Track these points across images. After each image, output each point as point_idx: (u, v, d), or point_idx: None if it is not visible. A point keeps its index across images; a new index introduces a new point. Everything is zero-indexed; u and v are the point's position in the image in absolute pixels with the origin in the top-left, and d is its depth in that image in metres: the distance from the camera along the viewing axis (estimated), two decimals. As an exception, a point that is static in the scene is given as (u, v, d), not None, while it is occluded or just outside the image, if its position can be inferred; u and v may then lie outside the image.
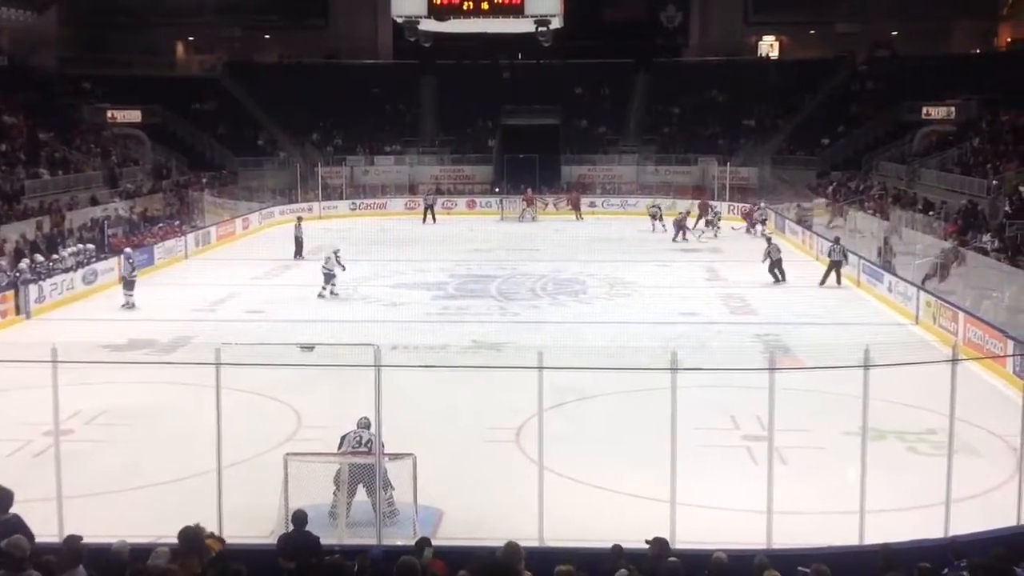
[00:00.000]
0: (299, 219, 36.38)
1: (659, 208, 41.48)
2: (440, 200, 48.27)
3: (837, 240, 29.44)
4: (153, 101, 48.72)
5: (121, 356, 19.28)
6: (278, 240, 35.71)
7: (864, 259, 28.50)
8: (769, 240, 31.40)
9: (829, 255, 28.94)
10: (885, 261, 27.57)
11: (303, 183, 47.53)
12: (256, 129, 52.63)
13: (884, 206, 36.88)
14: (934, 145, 42.43)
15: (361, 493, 12.11)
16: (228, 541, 10.21)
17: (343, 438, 12.49)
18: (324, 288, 27.08)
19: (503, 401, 15.37)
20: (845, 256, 28.37)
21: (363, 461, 11.98)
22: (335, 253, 27.60)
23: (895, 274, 25.98)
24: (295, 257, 33.82)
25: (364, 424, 12.33)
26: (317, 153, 50.75)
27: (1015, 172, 32.69)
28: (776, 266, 28.79)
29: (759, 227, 38.73)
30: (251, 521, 11.47)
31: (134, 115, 47.75)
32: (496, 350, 20.08)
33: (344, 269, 27.52)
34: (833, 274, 28.15)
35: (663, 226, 39.44)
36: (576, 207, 45.60)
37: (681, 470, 10.81)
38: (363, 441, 12.25)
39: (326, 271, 27.23)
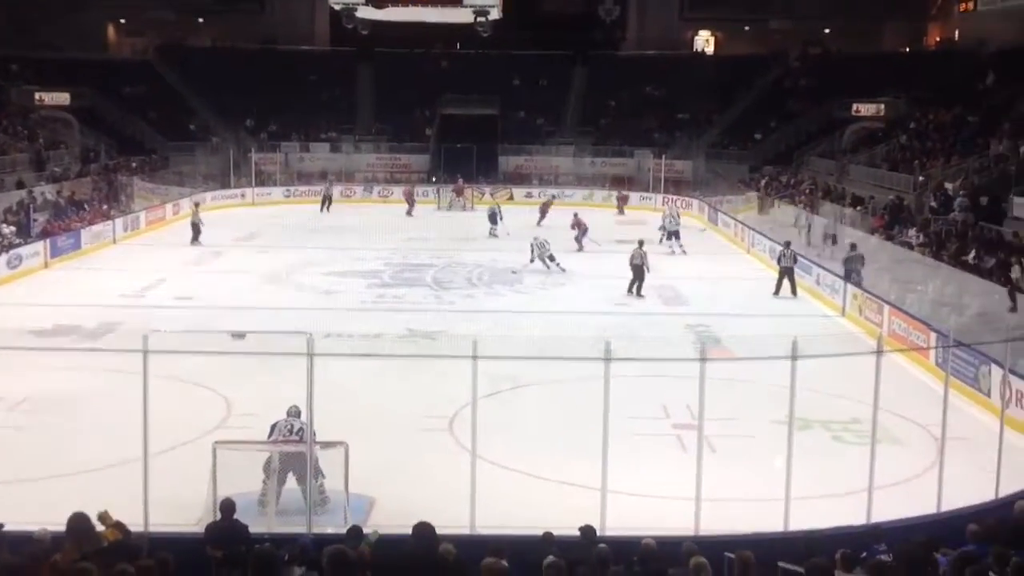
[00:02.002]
0: (196, 204, 36.16)
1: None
2: (376, 188, 48.04)
3: (788, 244, 27.03)
4: (83, 84, 47.80)
5: (46, 342, 18.87)
6: (210, 226, 35.19)
7: (796, 252, 28.89)
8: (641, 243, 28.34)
9: (779, 261, 26.56)
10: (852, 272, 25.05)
11: (236, 169, 46.91)
12: (188, 114, 51.85)
13: (814, 201, 37.51)
14: (863, 141, 43.25)
15: (291, 481, 12.04)
16: (154, 529, 10.10)
17: (273, 426, 12.40)
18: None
19: (437, 390, 15.36)
20: (795, 260, 26.36)
21: (294, 449, 11.91)
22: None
23: (860, 285, 24.18)
24: (192, 243, 33.48)
25: (295, 412, 12.25)
26: (251, 139, 50.12)
27: (940, 169, 33.47)
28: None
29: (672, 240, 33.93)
30: (178, 509, 11.33)
31: (63, 98, 46.80)
32: (431, 339, 20.06)
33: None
34: (787, 282, 25.98)
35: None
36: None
37: (612, 458, 10.91)
38: (294, 429, 12.17)
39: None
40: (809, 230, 30.80)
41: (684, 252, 32.93)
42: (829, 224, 32.47)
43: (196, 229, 33.95)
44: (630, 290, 25.90)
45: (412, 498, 11.75)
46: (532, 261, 29.37)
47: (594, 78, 55.53)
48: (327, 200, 43.99)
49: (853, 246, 26.14)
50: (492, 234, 36.33)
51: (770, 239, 31.56)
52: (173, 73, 53.57)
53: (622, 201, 44.80)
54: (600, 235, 33.84)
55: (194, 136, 50.07)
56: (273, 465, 11.96)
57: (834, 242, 29.67)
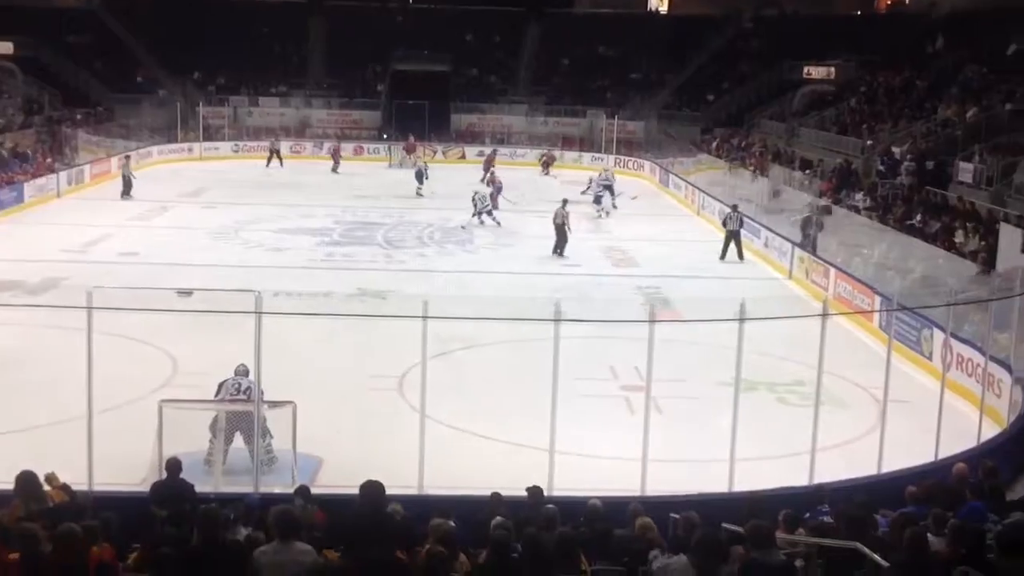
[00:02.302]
0: (127, 157, 35.62)
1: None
2: (326, 145, 47.52)
3: (735, 208, 26.81)
4: (26, 33, 46.51)
5: (-13, 298, 18.53)
6: (156, 180, 34.65)
7: (744, 215, 29.10)
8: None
9: (725, 224, 26.60)
10: (808, 236, 25.04)
11: (183, 123, 46.14)
12: (135, 65, 50.78)
13: (764, 163, 37.73)
14: (813, 104, 43.51)
15: (239, 441, 11.98)
16: (99, 488, 10.01)
17: (221, 385, 12.31)
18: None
19: (386, 350, 15.32)
20: (742, 224, 26.32)
21: (241, 408, 11.85)
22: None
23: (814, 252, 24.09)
24: (122, 197, 33.04)
25: (242, 371, 12.17)
26: (199, 92, 49.26)
27: (888, 133, 33.79)
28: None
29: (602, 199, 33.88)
30: (123, 468, 11.24)
31: (5, 47, 45.61)
32: (381, 298, 19.97)
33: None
34: (733, 246, 26.02)
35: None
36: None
37: (560, 419, 10.97)
38: (241, 388, 12.09)
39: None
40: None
41: (606, 214, 32.71)
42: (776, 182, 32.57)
43: (127, 183, 33.45)
44: (554, 251, 25.88)
45: (360, 458, 11.74)
46: (475, 215, 29.63)
47: (547, 36, 55.19)
48: (274, 154, 43.39)
49: (735, 207, 26.83)
50: (418, 193, 35.97)
51: (721, 201, 31.75)
52: (119, 23, 52.31)
53: (548, 161, 44.31)
54: (532, 195, 34.03)
55: (141, 88, 49.10)
56: (220, 424, 11.88)
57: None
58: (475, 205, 29.83)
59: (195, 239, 26.81)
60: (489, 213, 29.93)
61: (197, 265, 23.27)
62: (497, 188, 32.57)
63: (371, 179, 39.72)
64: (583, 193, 33.66)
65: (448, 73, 52.00)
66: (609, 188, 34.02)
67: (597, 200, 32.92)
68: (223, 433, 11.87)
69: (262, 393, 11.39)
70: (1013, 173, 24.97)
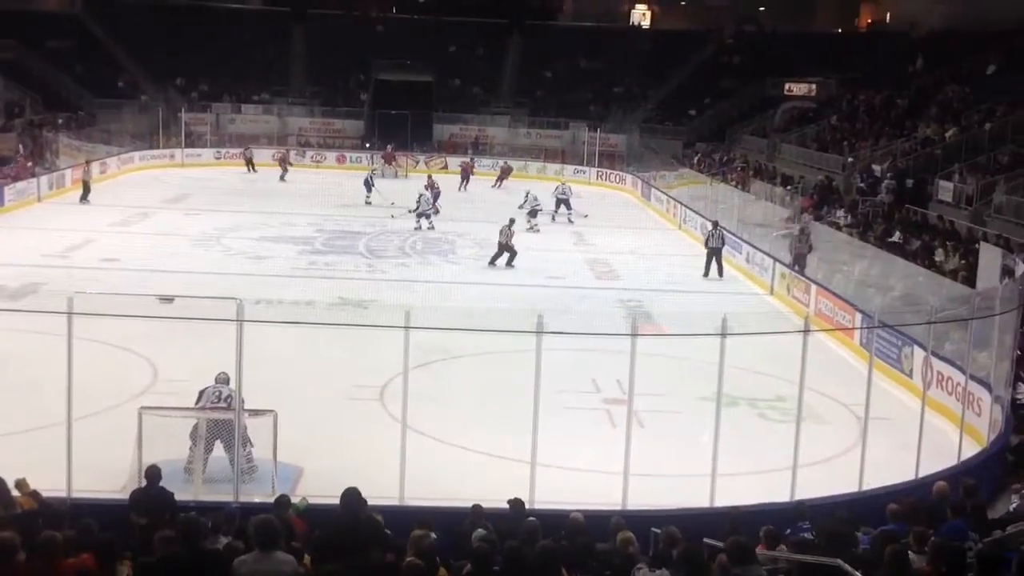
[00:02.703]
0: (87, 162, 35.31)
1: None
2: (309, 153, 47.47)
3: (716, 224, 26.54)
4: (7, 36, 46.28)
5: (-35, 302, 18.34)
6: (137, 186, 34.45)
7: (725, 229, 29.21)
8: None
9: (707, 243, 26.23)
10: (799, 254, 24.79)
11: (165, 129, 45.95)
12: (117, 70, 50.58)
13: (746, 179, 37.92)
14: (794, 121, 43.79)
15: (219, 449, 11.89)
16: (78, 495, 9.93)
17: (201, 393, 12.23)
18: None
19: (368, 359, 15.25)
20: (723, 241, 26.05)
21: (222, 416, 11.77)
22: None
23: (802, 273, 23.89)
24: (81, 201, 32.78)
25: (223, 379, 12.09)
26: (180, 98, 49.09)
27: (869, 150, 34.05)
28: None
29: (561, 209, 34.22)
30: (103, 476, 11.15)
31: (-14, 50, 45.36)
32: (363, 308, 19.89)
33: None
34: (714, 264, 25.81)
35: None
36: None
37: (542, 431, 10.96)
38: (222, 396, 12.02)
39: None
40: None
41: (565, 221, 33.20)
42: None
43: (86, 187, 33.12)
44: (491, 262, 25.96)
45: (341, 468, 11.67)
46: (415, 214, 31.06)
47: (530, 48, 55.35)
48: (248, 163, 43.36)
49: (716, 224, 26.43)
50: (366, 202, 35.49)
51: (702, 215, 31.88)
52: (101, 27, 52.16)
53: (504, 174, 42.96)
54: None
55: (122, 93, 48.88)
56: (200, 432, 11.80)
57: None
58: (418, 205, 30.99)
59: (176, 246, 26.68)
60: (427, 216, 30.82)
61: (178, 272, 23.12)
62: (435, 193, 33.25)
63: (354, 188, 39.54)
64: (520, 208, 32.18)
65: (431, 83, 52.05)
66: (565, 202, 33.98)
67: (532, 214, 31.71)
68: (203, 441, 11.79)
69: (243, 401, 11.33)
70: (992, 193, 25.22)
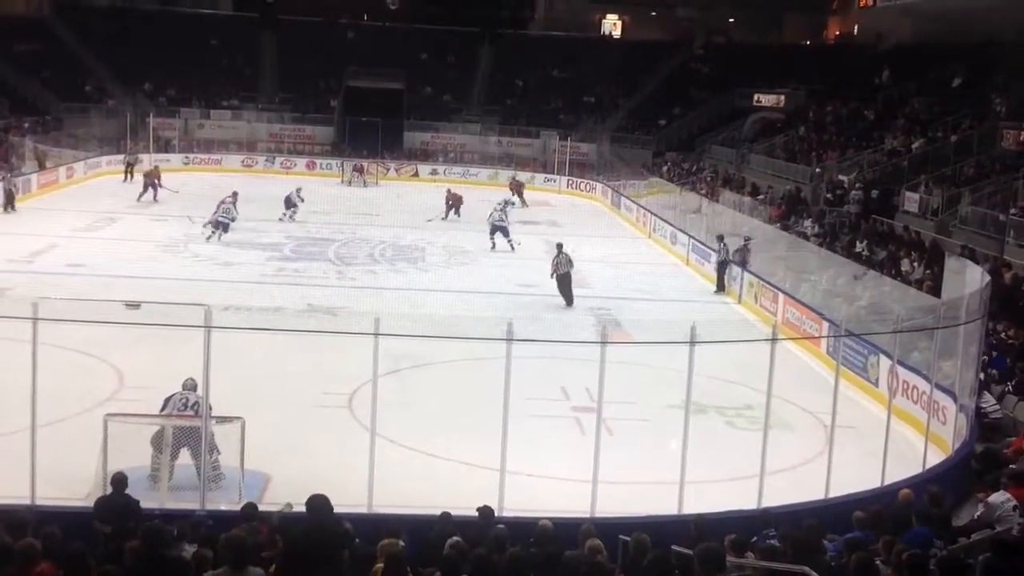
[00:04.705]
0: (9, 171, 34.59)
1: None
2: (279, 159, 47.27)
3: (721, 238, 26.03)
4: (-28, 40, 45.79)
5: (-72, 307, 18.09)
6: (105, 191, 34.14)
7: (694, 238, 29.40)
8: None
9: (721, 256, 25.64)
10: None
11: (133, 134, 45.57)
12: (84, 74, 50.14)
13: (715, 188, 38.13)
14: (763, 131, 44.11)
15: (185, 456, 11.80)
16: (42, 502, 9.83)
17: (167, 400, 12.13)
18: (214, 232, 28.31)
19: (337, 367, 15.21)
20: (729, 254, 25.48)
21: (188, 424, 11.68)
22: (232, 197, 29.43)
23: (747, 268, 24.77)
24: (4, 210, 31.70)
25: (190, 386, 12.00)
26: (149, 103, 48.73)
27: (836, 161, 34.35)
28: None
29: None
30: (67, 483, 11.02)
31: (-49, 54, 44.83)
32: (332, 315, 19.83)
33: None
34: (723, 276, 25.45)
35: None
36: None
37: (512, 439, 10.97)
38: (189, 403, 11.93)
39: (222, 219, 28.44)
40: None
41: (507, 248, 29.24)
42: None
43: (9, 196, 31.97)
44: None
45: (309, 475, 11.60)
46: None
47: (501, 57, 55.45)
48: (129, 167, 40.23)
49: (721, 237, 26.14)
50: (285, 218, 32.91)
51: (672, 224, 32.05)
52: (69, 32, 51.71)
53: (518, 189, 40.83)
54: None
55: (90, 98, 48.47)
56: (165, 439, 11.70)
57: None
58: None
59: (144, 251, 26.47)
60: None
61: (145, 278, 22.96)
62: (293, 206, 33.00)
63: (323, 195, 39.41)
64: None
65: (402, 91, 51.97)
66: (502, 229, 29.65)
67: (493, 231, 29.70)
68: (169, 448, 11.69)
69: (210, 408, 11.25)
70: (958, 204, 25.50)
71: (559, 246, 23.62)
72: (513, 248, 29.04)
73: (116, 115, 46.33)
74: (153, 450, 11.75)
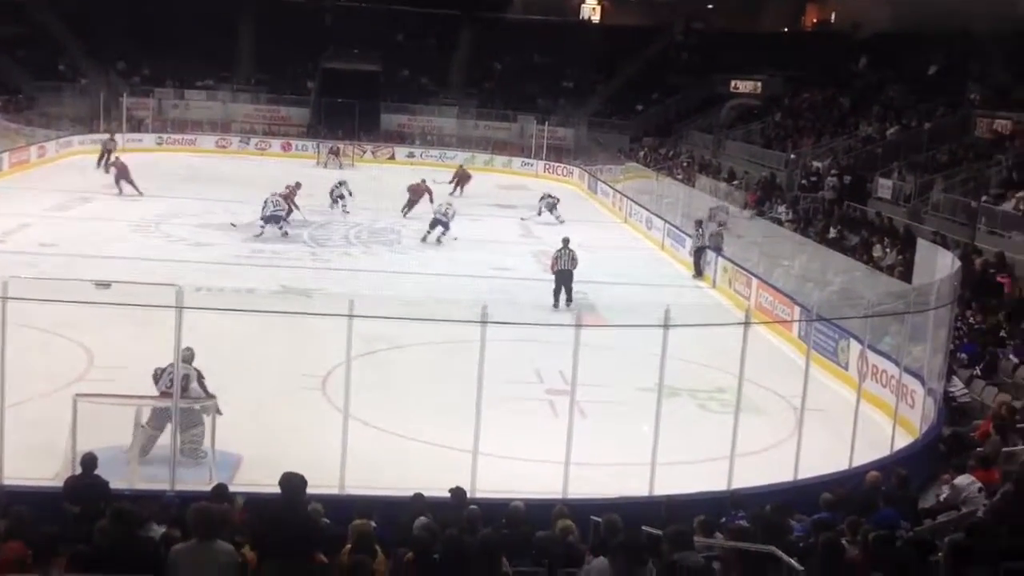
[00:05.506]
0: None
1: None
2: (253, 141, 47.03)
3: (699, 223, 26.02)
4: (-56, 17, 45.19)
5: None
6: (77, 171, 33.83)
7: (669, 223, 29.48)
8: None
9: (698, 242, 25.56)
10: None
11: (106, 113, 45.18)
12: (58, 53, 49.59)
13: (691, 174, 38.24)
14: (740, 118, 44.25)
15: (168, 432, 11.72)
16: (9, 482, 9.76)
17: (161, 371, 11.93)
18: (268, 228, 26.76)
19: (310, 348, 15.18)
20: (705, 240, 25.41)
21: (161, 404, 11.63)
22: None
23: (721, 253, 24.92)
24: None
25: (188, 357, 11.81)
26: (122, 83, 48.28)
27: (811, 148, 34.51)
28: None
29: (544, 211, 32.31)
30: (36, 463, 10.95)
31: (-78, 32, 44.25)
32: (306, 296, 19.78)
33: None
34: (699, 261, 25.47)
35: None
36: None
37: (485, 421, 10.98)
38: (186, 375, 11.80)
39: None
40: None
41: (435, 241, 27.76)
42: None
43: None
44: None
45: (281, 457, 11.57)
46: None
47: (480, 40, 55.25)
48: (105, 155, 37.62)
49: (699, 222, 26.13)
50: (336, 208, 31.78)
51: (648, 209, 32.11)
52: (43, 10, 51.07)
53: (461, 180, 38.00)
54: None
55: (63, 77, 47.97)
56: (154, 415, 11.71)
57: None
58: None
59: (116, 231, 26.27)
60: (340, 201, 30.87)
61: (117, 258, 22.80)
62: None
63: (299, 177, 39.20)
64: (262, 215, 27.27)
65: (379, 73, 51.75)
66: (442, 224, 27.75)
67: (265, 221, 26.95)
68: (153, 422, 11.69)
69: (183, 387, 11.21)
70: (930, 191, 25.68)
71: (565, 241, 22.32)
72: (440, 241, 27.46)
73: (89, 94, 45.91)
74: (142, 423, 11.71)
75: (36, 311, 12.29)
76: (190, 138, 46.44)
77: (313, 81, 51.89)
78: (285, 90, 51.42)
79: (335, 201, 31.79)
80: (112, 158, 35.52)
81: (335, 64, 51.34)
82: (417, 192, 31.60)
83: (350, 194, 31.97)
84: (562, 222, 31.38)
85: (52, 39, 50.06)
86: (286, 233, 26.79)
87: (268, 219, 26.70)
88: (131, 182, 32.46)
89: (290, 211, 27.74)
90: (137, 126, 46.35)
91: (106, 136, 40.30)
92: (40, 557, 7.24)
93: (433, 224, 27.81)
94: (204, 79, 50.79)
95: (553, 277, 21.66)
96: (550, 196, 33.40)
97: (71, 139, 42.11)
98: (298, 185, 29.47)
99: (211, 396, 11.89)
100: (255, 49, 53.35)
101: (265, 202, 26.98)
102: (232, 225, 27.75)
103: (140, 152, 43.05)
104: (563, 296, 21.33)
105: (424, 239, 27.68)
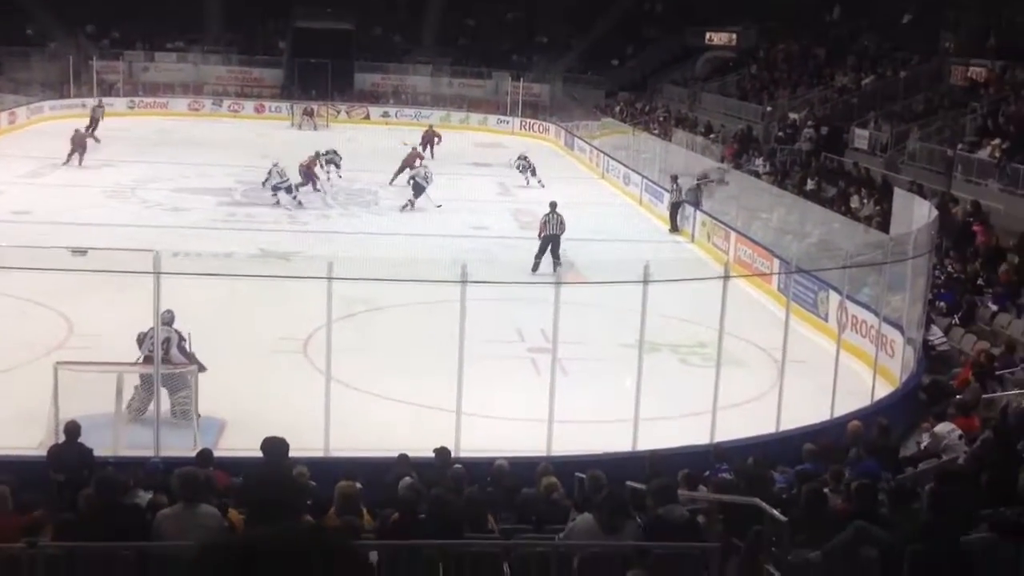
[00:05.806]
0: None
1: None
2: (226, 103, 46.53)
3: (675, 179, 25.97)
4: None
5: None
6: (48, 136, 33.38)
7: (647, 178, 29.45)
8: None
9: (674, 197, 25.69)
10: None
11: (76, 78, 44.57)
12: (24, 17, 48.73)
13: (668, 128, 38.14)
14: (716, 70, 44.09)
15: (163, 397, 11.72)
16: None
17: (144, 335, 11.88)
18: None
19: (291, 312, 15.11)
20: (682, 194, 25.50)
21: (143, 371, 11.60)
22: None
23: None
24: None
25: (167, 320, 11.75)
26: (92, 46, 47.59)
27: (787, 99, 34.46)
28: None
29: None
30: (19, 432, 10.92)
31: None
32: (285, 260, 19.68)
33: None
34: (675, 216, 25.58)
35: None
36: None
37: (467, 380, 11.01)
38: (166, 339, 11.77)
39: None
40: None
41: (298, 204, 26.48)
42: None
43: None
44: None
45: (264, 420, 11.60)
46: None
47: (453, -4, 54.67)
48: (94, 123, 37.14)
49: (675, 177, 26.08)
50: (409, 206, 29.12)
51: (625, 165, 32.05)
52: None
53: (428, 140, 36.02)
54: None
55: (31, 41, 47.22)
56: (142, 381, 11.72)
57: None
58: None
59: (91, 198, 26.01)
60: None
61: (93, 224, 22.53)
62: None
63: (273, 139, 38.92)
64: (264, 184, 26.57)
65: (351, 32, 51.14)
66: (418, 188, 26.79)
67: (276, 190, 26.26)
68: (144, 384, 11.69)
69: (164, 352, 11.18)
70: (906, 140, 25.73)
71: (552, 205, 21.71)
72: (412, 207, 26.52)
73: (58, 59, 45.23)
74: (138, 387, 11.71)
75: (12, 279, 12.20)
76: (162, 101, 45.94)
77: (285, 40, 51.27)
78: (257, 51, 50.80)
79: (326, 167, 29.99)
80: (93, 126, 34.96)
81: (307, 23, 50.65)
82: (409, 160, 30.18)
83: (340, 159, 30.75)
84: (543, 187, 30.73)
85: (19, 3, 49.16)
86: (300, 203, 26.21)
87: (276, 188, 26.08)
88: (79, 155, 30.85)
89: (314, 180, 27.42)
90: (108, 90, 45.71)
91: (95, 102, 39.76)
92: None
93: (416, 188, 26.83)
94: (174, 41, 50.10)
95: (539, 240, 21.30)
96: (524, 159, 32.15)
97: (42, 104, 41.57)
98: (317, 155, 28.90)
99: (194, 361, 11.85)
100: (225, 9, 52.54)
101: (269, 172, 26.32)
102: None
103: (112, 116, 42.49)
104: (548, 259, 20.89)
105: (404, 209, 26.64)
